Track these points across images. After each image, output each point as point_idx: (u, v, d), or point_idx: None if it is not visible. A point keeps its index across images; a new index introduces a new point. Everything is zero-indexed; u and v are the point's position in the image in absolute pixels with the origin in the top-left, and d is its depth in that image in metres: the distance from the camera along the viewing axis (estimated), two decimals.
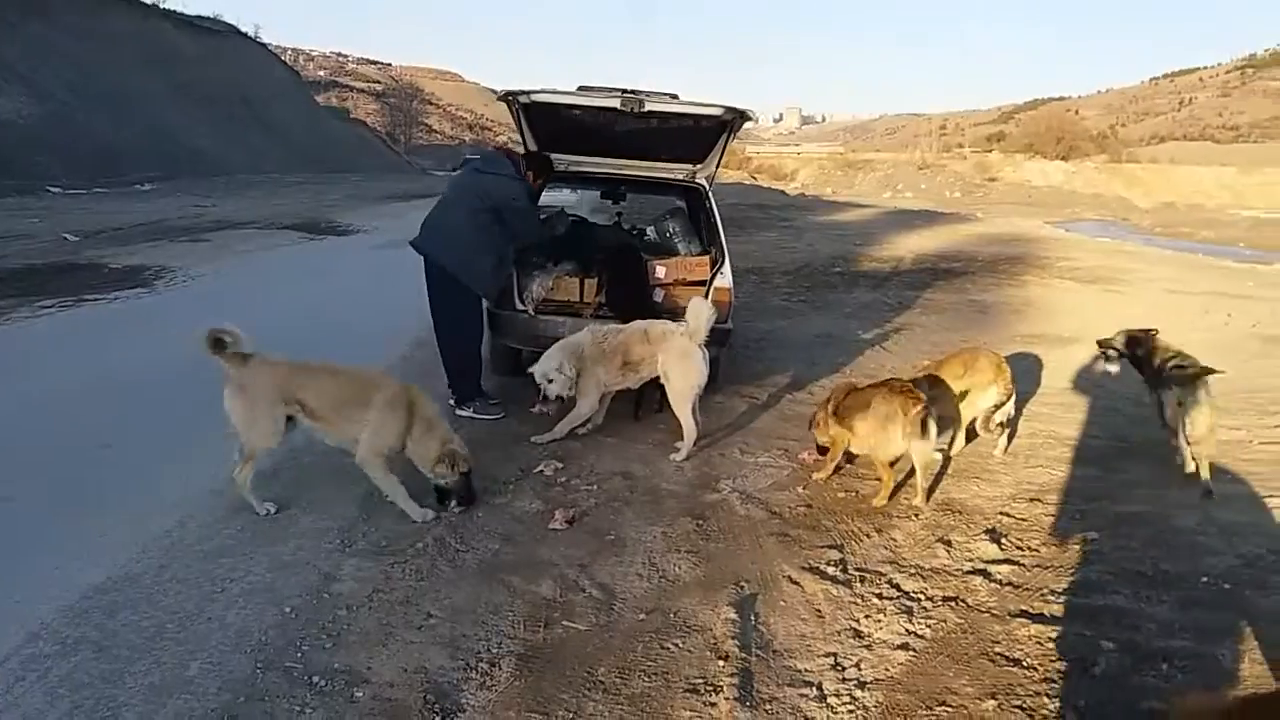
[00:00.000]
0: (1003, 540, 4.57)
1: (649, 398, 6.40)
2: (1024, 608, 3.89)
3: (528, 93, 6.54)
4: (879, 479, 5.27)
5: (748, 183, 53.50)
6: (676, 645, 3.56)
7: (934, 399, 5.52)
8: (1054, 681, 3.33)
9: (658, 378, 5.97)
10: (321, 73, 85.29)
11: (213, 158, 42.75)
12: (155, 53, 46.21)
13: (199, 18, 54.30)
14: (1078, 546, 4.46)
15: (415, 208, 12.15)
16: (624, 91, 6.49)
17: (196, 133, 43.70)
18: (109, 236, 16.98)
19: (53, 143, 32.10)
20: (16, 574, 3.91)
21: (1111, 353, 5.99)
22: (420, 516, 4.56)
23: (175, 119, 43.33)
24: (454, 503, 4.68)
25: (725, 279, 6.80)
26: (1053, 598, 3.98)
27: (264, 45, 61.78)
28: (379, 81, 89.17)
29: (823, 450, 5.47)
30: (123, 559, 4.06)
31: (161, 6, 51.51)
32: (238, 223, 20.59)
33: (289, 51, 77.00)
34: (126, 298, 10.71)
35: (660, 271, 7.14)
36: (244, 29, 58.88)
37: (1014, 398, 5.92)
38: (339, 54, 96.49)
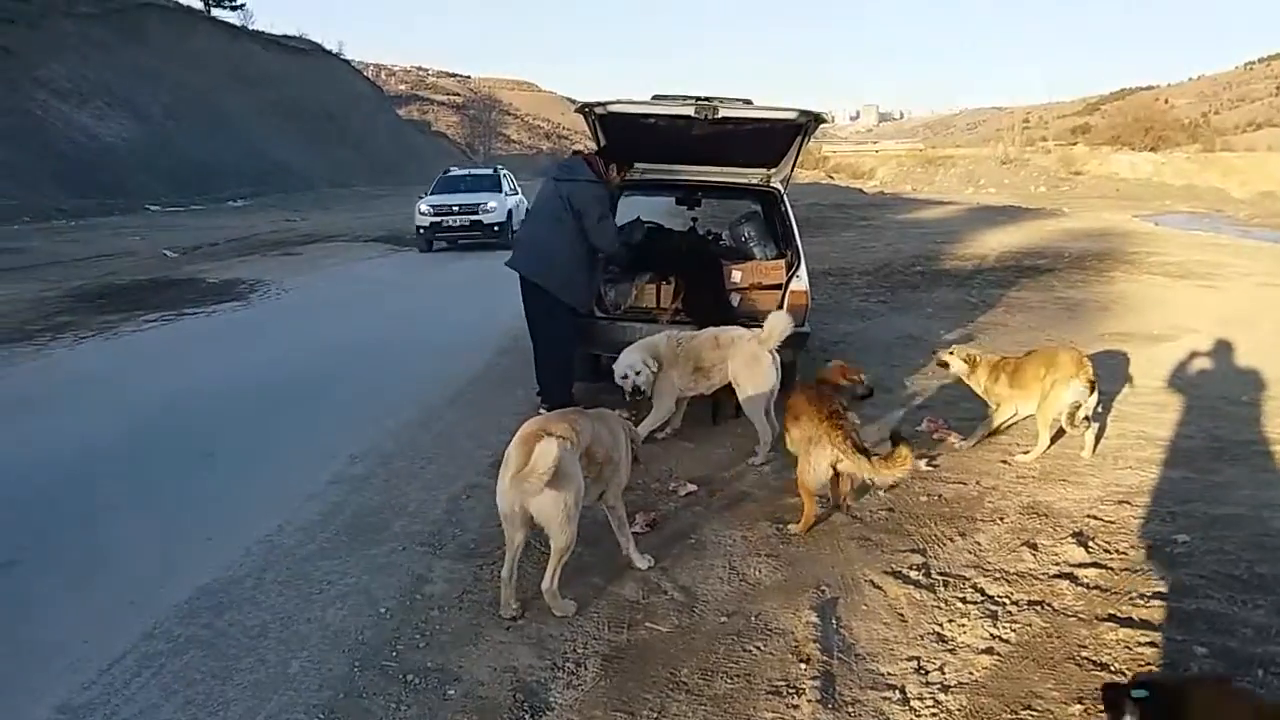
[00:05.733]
0: (1090, 544, 4.49)
1: (726, 403, 6.43)
2: (1112, 612, 3.81)
3: (604, 104, 6.65)
4: (960, 482, 5.25)
5: (825, 182, 53.07)
6: (759, 648, 3.59)
7: None
8: None
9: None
10: (403, 87, 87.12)
11: (300, 172, 44.13)
12: (244, 72, 47.85)
13: (285, 37, 55.97)
14: (1168, 550, 4.35)
15: None
16: (698, 99, 6.53)
17: (284, 148, 45.16)
18: (205, 252, 17.74)
19: (151, 163, 33.55)
20: (131, 576, 4.16)
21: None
22: None
23: (264, 136, 44.84)
24: None
25: (801, 282, 6.80)
26: (1142, 602, 3.89)
27: (347, 62, 63.38)
28: (458, 94, 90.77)
29: None
30: (227, 562, 4.28)
31: (249, 28, 53.21)
32: (327, 235, 21.32)
33: (371, 67, 78.84)
34: (224, 311, 11.20)
35: (736, 276, 7.18)
36: (328, 46, 60.46)
37: (1097, 393, 5.81)
38: (419, 68, 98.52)
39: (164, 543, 4.52)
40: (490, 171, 21.93)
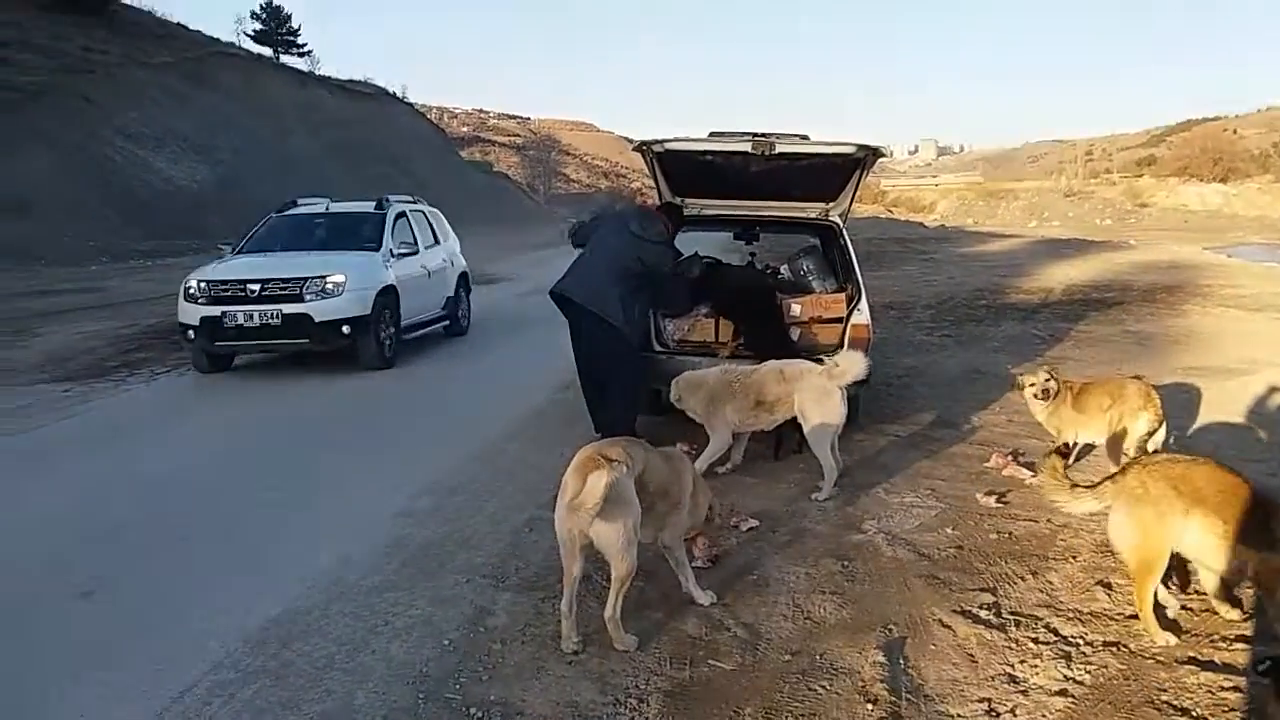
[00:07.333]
0: (1169, 583, 4.34)
1: (788, 437, 6.38)
2: (1193, 654, 3.68)
3: (661, 142, 6.74)
4: (1031, 519, 5.14)
5: (884, 216, 52.71)
6: (824, 687, 3.53)
7: None
8: None
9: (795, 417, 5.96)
10: (465, 129, 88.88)
11: None
12: (311, 116, 49.21)
13: (350, 82, 57.48)
14: (1251, 590, 4.19)
15: (557, 256, 12.33)
16: (754, 135, 6.58)
17: (350, 190, 46.10)
18: None
19: (223, 204, 34.55)
20: (200, 606, 4.25)
21: None
22: None
23: (331, 177, 45.82)
24: None
25: (863, 315, 6.75)
26: (1224, 645, 3.75)
27: (410, 105, 64.79)
28: (518, 135, 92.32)
29: None
30: (293, 593, 4.34)
31: (316, 74, 54.79)
32: None
33: (434, 110, 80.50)
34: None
35: (796, 309, 7.16)
36: (392, 90, 61.85)
37: (1165, 426, 5.66)
38: (480, 110, 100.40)
39: (230, 575, 4.62)
40: (369, 209, 11.56)
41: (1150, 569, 3.81)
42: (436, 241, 12.52)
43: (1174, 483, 3.76)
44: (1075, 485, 4.06)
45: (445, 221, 13.33)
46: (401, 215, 11.62)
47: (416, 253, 11.44)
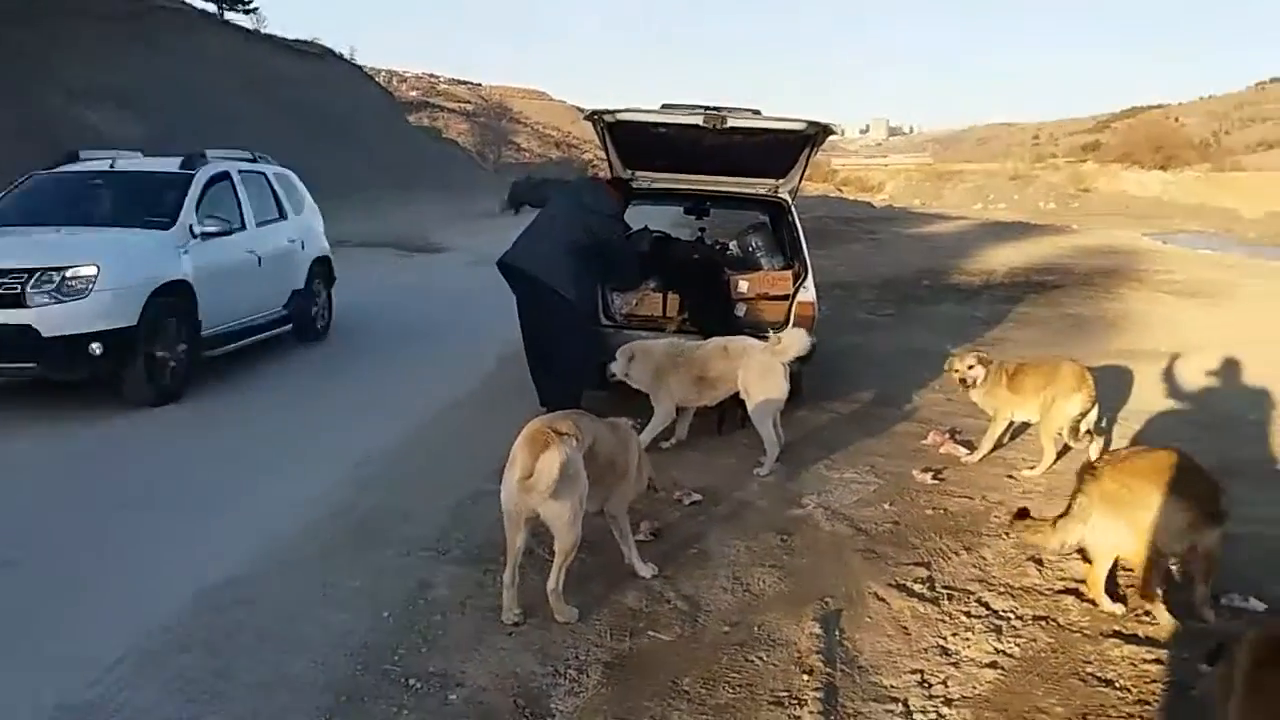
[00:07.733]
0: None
1: (732, 413, 6.42)
2: (1117, 628, 3.81)
3: (613, 112, 6.71)
4: (966, 496, 5.24)
5: (833, 195, 53.12)
6: (761, 658, 3.59)
7: None
8: (1149, 704, 3.26)
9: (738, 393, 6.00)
10: (414, 93, 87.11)
11: (309, 176, 43.90)
12: (255, 75, 47.84)
13: (297, 41, 55.97)
14: (1175, 567, 4.33)
15: (506, 227, 11.87)
16: (706, 108, 6.59)
17: (293, 152, 44.87)
18: None
19: None
20: (132, 575, 4.18)
21: None
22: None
23: (274, 139, 44.49)
24: None
25: (809, 293, 6.82)
26: (1148, 619, 3.88)
27: (359, 67, 63.38)
28: (469, 101, 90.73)
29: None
30: (230, 563, 4.26)
31: (262, 31, 53.34)
32: (337, 240, 21.21)
33: (383, 73, 78.78)
34: None
35: (743, 286, 7.20)
36: (340, 51, 60.40)
37: (1098, 407, 5.81)
38: (431, 75, 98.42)
39: (168, 542, 4.54)
40: (172, 169, 8.32)
41: (1107, 559, 3.97)
42: (281, 216, 9.36)
43: (1146, 475, 3.87)
44: (1051, 523, 4.08)
45: (301, 188, 10.30)
46: (222, 178, 8.43)
47: (238, 230, 8.29)
